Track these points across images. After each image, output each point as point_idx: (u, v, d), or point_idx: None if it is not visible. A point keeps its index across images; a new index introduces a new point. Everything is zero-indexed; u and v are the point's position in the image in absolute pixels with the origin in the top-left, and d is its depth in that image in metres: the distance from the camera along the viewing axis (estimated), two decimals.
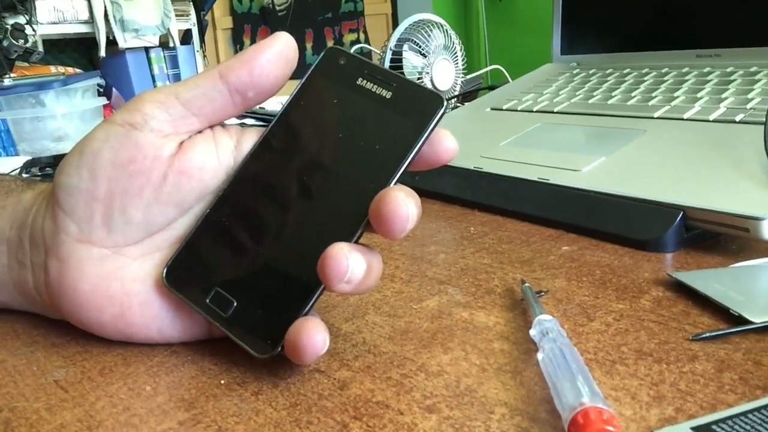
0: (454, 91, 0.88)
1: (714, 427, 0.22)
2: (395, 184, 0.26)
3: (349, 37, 3.27)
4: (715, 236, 0.40)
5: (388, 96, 0.28)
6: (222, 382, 0.27)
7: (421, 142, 0.26)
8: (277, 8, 3.06)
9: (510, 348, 0.29)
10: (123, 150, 0.28)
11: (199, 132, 0.30)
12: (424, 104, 0.27)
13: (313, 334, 0.25)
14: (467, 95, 0.92)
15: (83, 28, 2.21)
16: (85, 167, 0.29)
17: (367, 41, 3.31)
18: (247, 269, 0.28)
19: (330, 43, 3.21)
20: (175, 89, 0.29)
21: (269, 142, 0.29)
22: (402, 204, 0.25)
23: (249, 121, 0.88)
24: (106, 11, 2.17)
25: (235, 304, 0.27)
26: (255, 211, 0.29)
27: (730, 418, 0.22)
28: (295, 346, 0.26)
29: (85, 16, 2.19)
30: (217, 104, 0.29)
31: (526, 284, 0.33)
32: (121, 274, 0.29)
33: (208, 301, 0.28)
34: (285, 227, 0.28)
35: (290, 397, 0.26)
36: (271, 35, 0.29)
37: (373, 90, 0.28)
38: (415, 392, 0.26)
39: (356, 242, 0.26)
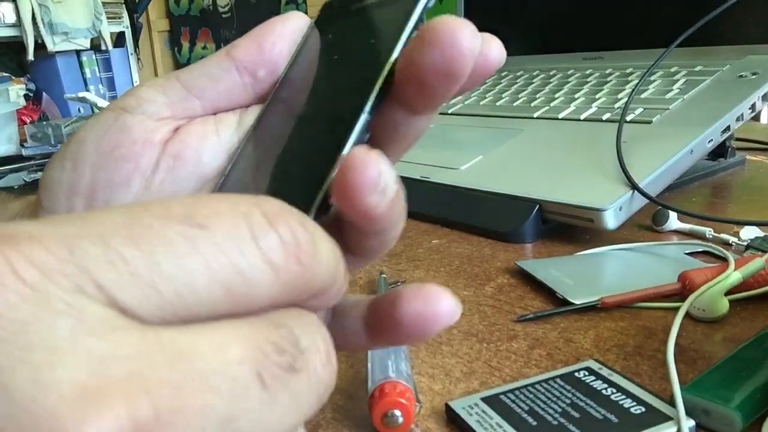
0: None
1: (501, 396, 0.24)
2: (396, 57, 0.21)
3: None
4: (571, 227, 0.43)
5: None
6: None
7: (413, 21, 0.22)
8: (221, 10, 3.03)
9: None
10: (110, 134, 0.25)
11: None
12: None
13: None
14: None
15: (11, 32, 2.16)
16: (69, 158, 0.26)
17: None
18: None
19: None
20: (177, 72, 0.26)
21: (276, 98, 0.26)
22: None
23: None
24: (33, 14, 2.12)
25: None
26: (268, 154, 0.25)
27: (518, 388, 0.25)
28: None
29: (13, 19, 2.14)
30: (222, 85, 0.26)
31: (383, 275, 0.36)
32: None
33: None
34: (292, 150, 0.24)
35: None
36: (282, 15, 0.26)
37: (363, 3, 0.25)
38: None
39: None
